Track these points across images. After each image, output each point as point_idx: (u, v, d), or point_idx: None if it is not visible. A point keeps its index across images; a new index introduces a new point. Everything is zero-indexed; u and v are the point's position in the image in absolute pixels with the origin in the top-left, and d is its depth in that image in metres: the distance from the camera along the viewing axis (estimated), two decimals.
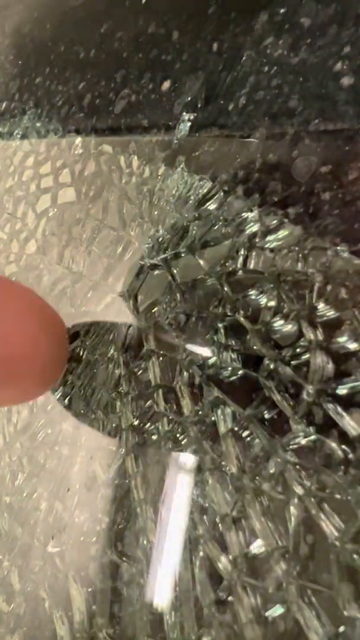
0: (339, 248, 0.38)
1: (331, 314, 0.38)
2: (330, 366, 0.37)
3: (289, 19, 0.46)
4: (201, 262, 0.47)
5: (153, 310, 0.50)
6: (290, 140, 0.44)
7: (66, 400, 0.55)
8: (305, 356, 0.38)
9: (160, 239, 0.51)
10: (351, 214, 0.39)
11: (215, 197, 0.48)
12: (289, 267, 0.41)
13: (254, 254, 0.44)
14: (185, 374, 0.45)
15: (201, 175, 0.50)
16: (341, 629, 0.32)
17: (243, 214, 0.45)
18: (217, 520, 0.39)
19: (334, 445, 0.35)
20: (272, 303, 0.41)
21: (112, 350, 0.51)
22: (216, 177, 0.48)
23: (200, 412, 0.43)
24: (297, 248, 0.41)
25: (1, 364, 0.42)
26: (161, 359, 0.48)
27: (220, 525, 0.39)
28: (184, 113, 0.53)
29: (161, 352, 0.48)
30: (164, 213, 0.52)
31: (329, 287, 0.39)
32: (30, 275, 0.67)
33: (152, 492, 0.44)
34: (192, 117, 0.52)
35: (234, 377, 0.42)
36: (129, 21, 0.64)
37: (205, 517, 0.40)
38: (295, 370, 0.38)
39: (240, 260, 0.44)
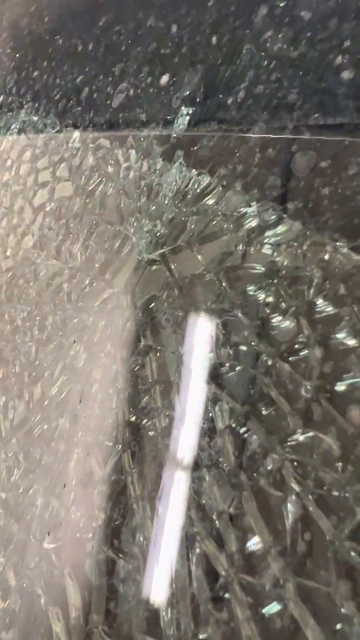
0: (338, 244, 0.38)
1: (330, 310, 0.38)
2: (328, 362, 0.36)
3: (289, 12, 0.46)
4: (199, 257, 0.47)
5: (151, 306, 0.49)
6: (290, 135, 0.44)
7: None
8: (304, 352, 0.38)
9: (158, 234, 0.51)
10: (351, 209, 0.39)
11: (213, 192, 0.47)
12: (287, 262, 0.41)
13: (252, 249, 0.43)
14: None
15: (200, 170, 0.49)
16: (338, 626, 0.32)
17: (242, 209, 0.45)
18: (214, 517, 0.39)
19: (332, 442, 0.35)
20: (271, 299, 0.41)
21: None
22: (215, 172, 0.48)
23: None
24: (296, 243, 0.41)
25: None
26: (159, 354, 0.47)
27: (217, 522, 0.38)
28: (183, 107, 0.53)
29: (159, 347, 0.47)
30: (162, 208, 0.51)
31: (327, 283, 0.38)
32: (27, 270, 0.66)
33: (148, 488, 0.44)
34: (190, 112, 0.52)
35: (231, 373, 0.42)
36: (128, 14, 0.63)
37: (202, 513, 0.40)
38: (294, 366, 0.38)
39: (239, 255, 0.44)
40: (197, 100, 0.52)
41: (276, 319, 0.40)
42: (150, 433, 0.45)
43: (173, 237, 0.49)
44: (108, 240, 0.56)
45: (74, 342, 0.56)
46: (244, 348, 0.42)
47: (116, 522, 0.46)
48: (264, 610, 0.35)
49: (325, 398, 0.36)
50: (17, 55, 0.85)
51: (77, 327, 0.56)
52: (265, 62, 0.47)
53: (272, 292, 0.41)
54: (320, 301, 0.38)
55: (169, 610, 0.39)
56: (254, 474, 0.38)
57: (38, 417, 0.57)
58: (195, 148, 0.50)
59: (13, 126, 0.79)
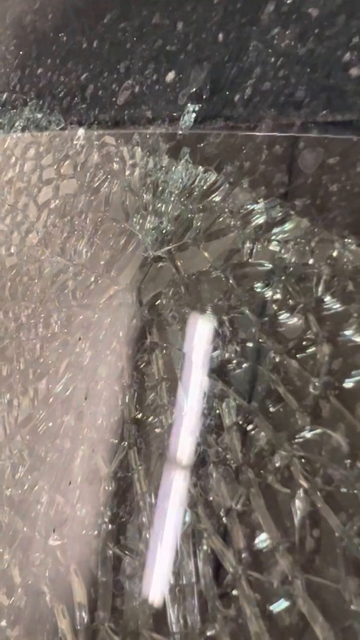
0: (346, 240, 0.38)
1: (338, 307, 0.38)
2: (337, 359, 0.36)
3: (296, 8, 0.46)
4: (206, 254, 0.46)
5: (157, 303, 0.49)
6: (297, 132, 0.44)
7: None
8: (312, 349, 0.38)
9: (164, 231, 0.51)
10: (359, 206, 0.39)
11: (220, 189, 0.47)
12: (295, 259, 0.41)
13: (259, 246, 0.43)
14: None
15: (206, 167, 0.49)
16: (347, 623, 0.32)
17: (249, 206, 0.45)
18: (222, 513, 0.39)
19: (340, 438, 0.35)
20: (278, 296, 0.41)
21: None
22: (221, 169, 0.48)
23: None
24: (303, 240, 0.41)
25: None
26: (165, 351, 0.47)
27: (224, 518, 0.38)
28: (189, 104, 0.53)
29: (165, 344, 0.47)
30: (168, 205, 0.51)
31: (335, 280, 0.38)
32: (31, 268, 0.66)
33: (155, 485, 0.44)
34: (197, 108, 0.52)
35: (238, 370, 0.42)
36: (133, 11, 0.63)
37: (209, 510, 0.40)
38: (301, 363, 0.38)
39: (246, 252, 0.44)
40: (204, 97, 0.52)
41: (284, 316, 0.40)
42: (157, 430, 0.45)
43: (179, 234, 0.49)
44: (113, 238, 0.56)
45: (79, 339, 0.56)
46: (250, 345, 0.42)
47: (122, 519, 0.46)
48: (272, 607, 0.35)
49: (333, 395, 0.36)
50: (21, 53, 0.84)
51: (82, 324, 0.56)
52: (273, 59, 0.47)
53: (280, 289, 0.41)
54: (328, 298, 0.38)
55: (176, 607, 0.39)
56: (262, 471, 0.38)
57: (43, 414, 0.57)
58: (202, 145, 0.50)
59: (17, 123, 0.78)
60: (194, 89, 0.53)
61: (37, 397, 0.59)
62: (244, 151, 0.47)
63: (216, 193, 0.48)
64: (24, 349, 0.63)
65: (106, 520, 0.46)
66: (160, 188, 0.53)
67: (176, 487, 0.42)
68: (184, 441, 0.43)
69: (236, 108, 0.49)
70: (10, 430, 0.61)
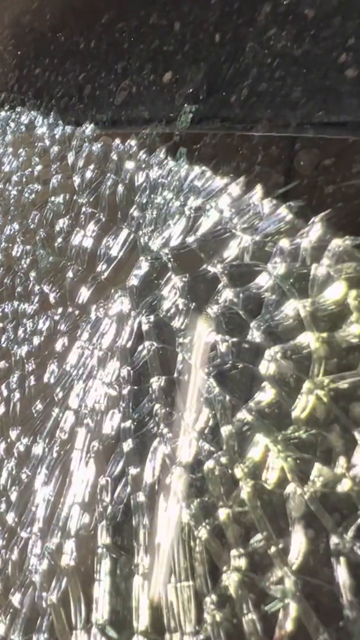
0: (342, 241, 0.38)
1: (333, 307, 0.38)
2: (332, 360, 0.36)
3: (292, 10, 0.46)
4: (202, 255, 0.47)
5: (153, 303, 0.49)
6: (293, 133, 0.44)
7: None
8: (307, 350, 0.38)
9: (161, 231, 0.51)
10: (355, 207, 0.39)
11: (217, 190, 0.47)
12: (291, 260, 0.41)
13: (255, 247, 0.43)
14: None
15: (203, 168, 0.49)
16: (340, 624, 0.32)
17: (245, 207, 0.45)
18: (217, 514, 0.39)
19: (335, 439, 0.35)
20: (274, 297, 0.41)
21: None
22: (218, 170, 0.48)
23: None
24: (299, 241, 0.41)
25: None
26: (161, 352, 0.47)
27: (220, 519, 0.38)
28: (186, 105, 0.53)
29: (161, 345, 0.47)
30: (165, 205, 0.51)
31: (332, 281, 0.38)
32: (28, 267, 0.66)
33: (151, 485, 0.44)
34: (193, 109, 0.52)
35: (234, 371, 0.42)
36: (130, 12, 0.63)
37: (205, 511, 0.40)
38: (297, 363, 0.38)
39: (242, 253, 0.44)
40: (200, 97, 0.52)
41: (280, 316, 0.40)
42: (153, 430, 0.45)
43: (176, 234, 0.49)
44: (111, 237, 0.56)
45: (77, 339, 0.56)
46: (246, 346, 0.42)
47: (118, 520, 0.46)
48: (267, 608, 0.35)
49: (328, 396, 0.36)
50: (19, 53, 0.85)
51: (80, 324, 0.56)
52: (269, 60, 0.47)
53: (276, 290, 0.41)
54: (324, 299, 0.38)
55: (172, 606, 0.39)
56: (257, 471, 0.38)
57: (40, 413, 0.57)
58: (198, 145, 0.50)
59: (15, 123, 0.79)
60: (190, 90, 0.53)
61: (35, 396, 0.59)
62: (241, 152, 0.47)
63: (213, 194, 0.48)
64: (21, 347, 0.63)
65: (103, 520, 0.46)
66: (158, 188, 0.53)
67: (173, 487, 0.42)
68: (181, 441, 0.43)
69: (233, 109, 0.49)
70: (7, 429, 0.61)
